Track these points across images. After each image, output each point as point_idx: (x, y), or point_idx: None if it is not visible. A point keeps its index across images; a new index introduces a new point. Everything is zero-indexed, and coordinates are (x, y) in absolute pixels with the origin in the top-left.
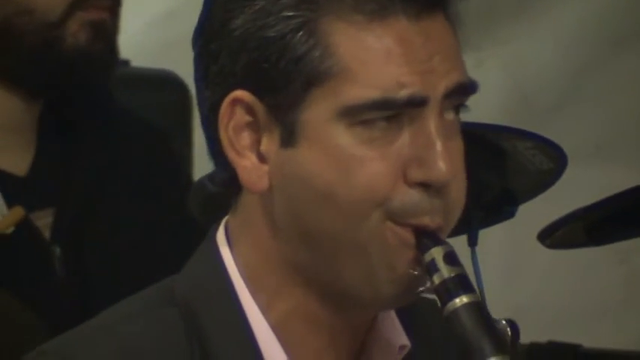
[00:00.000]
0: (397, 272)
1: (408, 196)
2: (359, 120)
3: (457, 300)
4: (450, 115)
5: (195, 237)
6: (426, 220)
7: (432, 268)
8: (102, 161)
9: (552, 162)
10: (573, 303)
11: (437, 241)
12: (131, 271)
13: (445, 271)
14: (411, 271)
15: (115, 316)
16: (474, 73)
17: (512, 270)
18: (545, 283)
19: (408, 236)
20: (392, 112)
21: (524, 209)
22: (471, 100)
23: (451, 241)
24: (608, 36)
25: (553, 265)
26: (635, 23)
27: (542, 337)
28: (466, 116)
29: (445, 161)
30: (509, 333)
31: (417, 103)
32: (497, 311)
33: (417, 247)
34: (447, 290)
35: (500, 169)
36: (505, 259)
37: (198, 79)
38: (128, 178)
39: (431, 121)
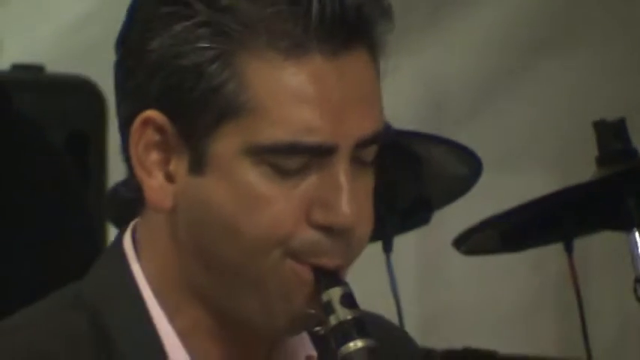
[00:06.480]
0: (294, 308)
1: (309, 236)
2: (267, 159)
3: (351, 344)
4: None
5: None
6: (325, 261)
7: (328, 309)
8: None
9: (467, 168)
10: (488, 309)
11: (335, 282)
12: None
13: (341, 313)
14: (308, 309)
15: (18, 321)
16: (387, 81)
17: (428, 276)
18: (460, 290)
19: (307, 274)
20: (300, 155)
21: (439, 215)
22: (385, 108)
23: (366, 247)
24: (523, 44)
25: (468, 271)
26: (552, 30)
27: (458, 344)
28: None
29: (350, 207)
30: None
31: (324, 151)
32: (413, 317)
33: (315, 285)
34: (343, 333)
35: (415, 175)
36: (420, 266)
37: (116, 88)
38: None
39: (340, 168)
